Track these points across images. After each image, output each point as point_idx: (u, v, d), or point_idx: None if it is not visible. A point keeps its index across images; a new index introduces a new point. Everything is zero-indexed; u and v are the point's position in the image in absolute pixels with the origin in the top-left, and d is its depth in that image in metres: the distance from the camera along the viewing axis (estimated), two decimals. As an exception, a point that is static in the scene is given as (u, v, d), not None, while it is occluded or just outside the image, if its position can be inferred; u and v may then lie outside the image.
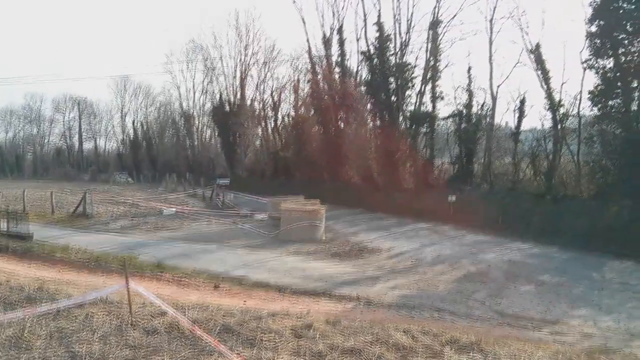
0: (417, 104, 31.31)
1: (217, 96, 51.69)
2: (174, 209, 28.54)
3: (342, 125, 35.72)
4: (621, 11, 19.80)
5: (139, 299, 9.55)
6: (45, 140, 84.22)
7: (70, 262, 16.09)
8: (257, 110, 49.58)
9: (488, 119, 28.07)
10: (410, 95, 31.78)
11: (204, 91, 57.05)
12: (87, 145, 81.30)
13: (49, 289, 11.18)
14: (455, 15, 30.18)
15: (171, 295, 11.60)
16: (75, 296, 9.58)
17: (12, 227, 20.96)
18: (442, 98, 30.11)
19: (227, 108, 49.44)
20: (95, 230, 22.93)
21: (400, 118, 31.54)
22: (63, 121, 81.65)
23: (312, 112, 39.70)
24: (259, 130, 50.07)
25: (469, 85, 28.47)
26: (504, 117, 29.47)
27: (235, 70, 50.03)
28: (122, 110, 73.86)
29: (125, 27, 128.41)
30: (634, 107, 19.99)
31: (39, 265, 15.65)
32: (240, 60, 49.56)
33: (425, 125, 30.72)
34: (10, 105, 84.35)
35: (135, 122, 70.90)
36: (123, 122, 74.15)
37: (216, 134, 54.82)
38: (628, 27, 19.78)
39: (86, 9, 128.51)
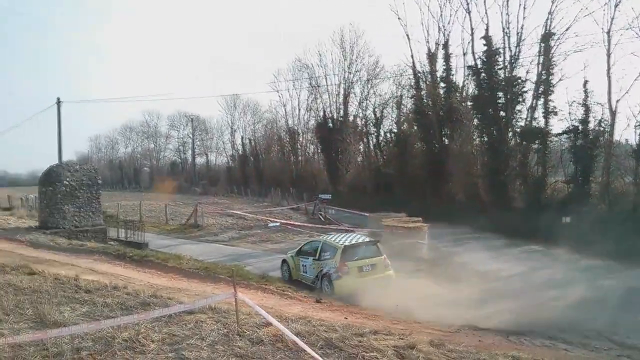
0: (529, 119, 29.96)
1: (321, 113, 52.55)
2: (278, 222, 29.23)
3: (446, 142, 34.95)
4: None
5: (244, 309, 9.72)
6: (161, 155, 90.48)
7: (182, 270, 16.81)
8: (360, 127, 49.77)
9: (606, 136, 26.21)
10: (520, 111, 30.51)
11: (308, 108, 58.14)
12: (199, 160, 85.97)
13: (162, 296, 11.73)
14: (569, 27, 28.44)
15: (274, 306, 11.74)
16: (186, 303, 9.92)
17: (129, 236, 22.74)
18: (556, 113, 28.67)
19: (330, 125, 50.09)
20: (205, 241, 24.05)
21: (510, 134, 30.29)
22: (177, 137, 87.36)
23: (415, 128, 39.21)
24: (361, 147, 50.17)
25: (585, 99, 26.88)
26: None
27: (339, 88, 50.68)
28: (231, 127, 77.16)
29: (234, 48, 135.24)
30: None
31: (153, 272, 16.44)
32: (344, 77, 50.18)
33: (537, 141, 29.34)
34: (129, 122, 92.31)
35: (244, 138, 73.74)
36: (232, 138, 77.36)
37: (319, 150, 55.59)
38: None
39: (195, 34, 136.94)
